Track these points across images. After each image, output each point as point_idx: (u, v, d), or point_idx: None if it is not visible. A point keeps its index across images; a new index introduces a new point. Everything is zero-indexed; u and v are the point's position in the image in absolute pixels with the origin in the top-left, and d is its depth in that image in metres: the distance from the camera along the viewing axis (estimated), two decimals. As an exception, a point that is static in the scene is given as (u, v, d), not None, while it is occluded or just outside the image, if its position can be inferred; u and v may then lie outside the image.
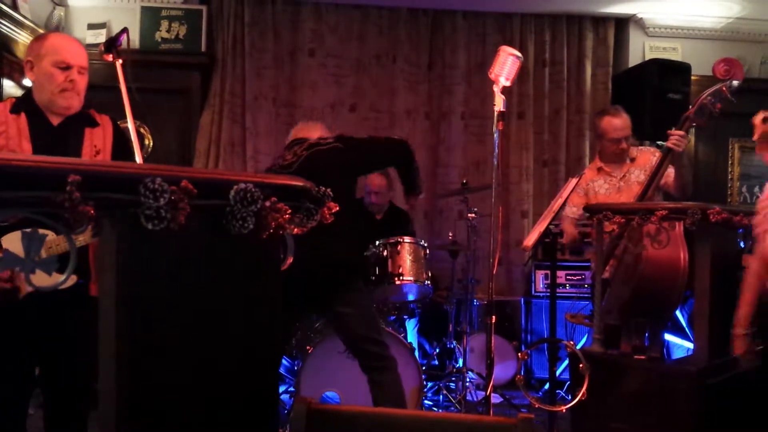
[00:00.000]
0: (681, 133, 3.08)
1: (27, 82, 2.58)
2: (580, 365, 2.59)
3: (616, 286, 2.94)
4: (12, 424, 2.37)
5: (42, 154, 2.22)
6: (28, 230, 1.08)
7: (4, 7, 3.97)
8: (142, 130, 4.64)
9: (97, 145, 2.44)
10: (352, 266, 3.14)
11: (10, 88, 4.14)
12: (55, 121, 2.42)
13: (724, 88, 2.99)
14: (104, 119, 2.53)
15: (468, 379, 4.22)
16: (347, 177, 3.07)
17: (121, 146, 2.54)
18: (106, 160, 2.46)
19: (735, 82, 3.06)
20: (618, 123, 3.61)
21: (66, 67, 2.39)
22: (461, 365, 4.27)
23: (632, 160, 3.64)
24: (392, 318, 4.08)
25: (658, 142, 3.16)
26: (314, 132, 3.38)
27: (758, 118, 2.43)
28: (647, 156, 3.62)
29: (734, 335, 2.39)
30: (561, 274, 4.75)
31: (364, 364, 3.07)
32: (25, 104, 2.41)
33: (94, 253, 2.39)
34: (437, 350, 4.63)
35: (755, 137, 2.45)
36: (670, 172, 3.36)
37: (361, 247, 3.64)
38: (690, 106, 3.16)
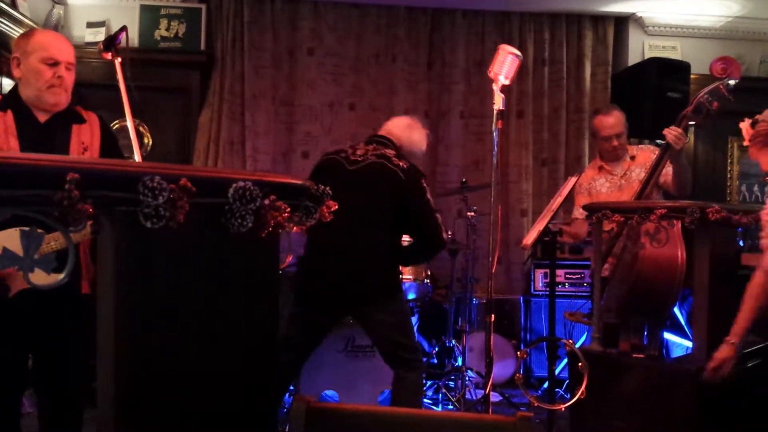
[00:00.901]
0: (679, 129, 3.08)
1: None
2: (579, 364, 2.60)
3: (614, 285, 2.94)
4: (5, 423, 2.37)
5: (29, 151, 2.22)
6: (27, 228, 1.07)
7: (3, 6, 3.97)
8: (141, 128, 4.64)
9: (84, 142, 2.43)
10: (387, 277, 3.10)
11: (10, 86, 4.14)
12: (42, 118, 2.40)
13: (721, 87, 3.00)
14: (91, 116, 2.52)
15: (467, 378, 4.23)
16: (390, 201, 3.01)
17: (109, 143, 2.53)
18: (94, 157, 2.45)
19: (732, 81, 3.06)
20: (608, 121, 3.64)
21: (54, 63, 2.37)
22: (460, 364, 4.27)
23: (632, 158, 3.65)
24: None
25: (658, 141, 3.16)
26: (404, 130, 3.25)
27: (746, 124, 2.44)
28: (647, 154, 3.63)
29: (725, 340, 2.40)
30: (560, 272, 4.75)
31: (392, 365, 3.06)
32: (12, 101, 2.39)
33: (85, 251, 2.39)
34: (436, 349, 4.63)
35: (746, 142, 2.45)
36: (669, 170, 3.36)
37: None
38: (688, 105, 3.16)
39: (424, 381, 3.69)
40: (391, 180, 3.00)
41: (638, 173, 3.57)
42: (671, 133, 3.08)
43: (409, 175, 3.03)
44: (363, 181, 3.00)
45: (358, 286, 2.97)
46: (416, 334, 4.48)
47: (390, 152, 3.09)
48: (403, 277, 3.81)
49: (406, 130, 3.27)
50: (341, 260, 2.95)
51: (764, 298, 2.38)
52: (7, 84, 4.13)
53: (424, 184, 3.09)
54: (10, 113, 2.34)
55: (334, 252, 2.94)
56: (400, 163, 3.04)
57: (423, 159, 5.33)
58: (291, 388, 3.60)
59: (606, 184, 3.66)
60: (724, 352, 2.40)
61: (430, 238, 3.10)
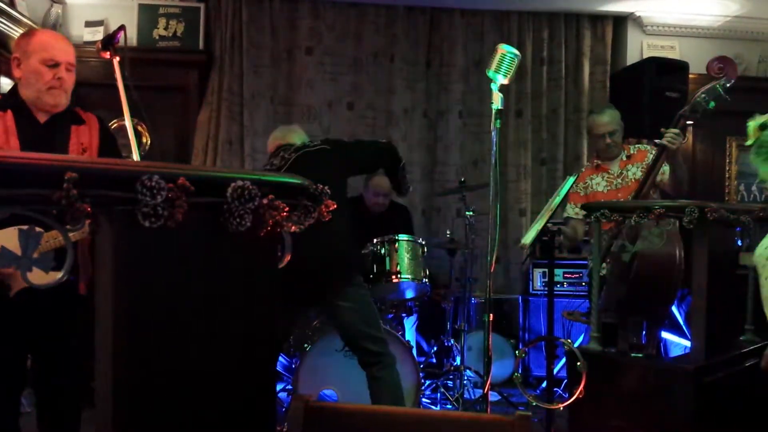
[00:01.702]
0: (674, 131, 3.10)
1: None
2: (578, 363, 2.60)
3: (612, 284, 2.94)
4: (4, 423, 2.37)
5: (29, 151, 2.21)
6: (25, 227, 1.07)
7: (2, 5, 3.96)
8: (139, 127, 4.63)
9: (83, 142, 2.43)
10: (351, 261, 3.15)
11: (8, 85, 4.14)
12: (42, 118, 2.40)
13: (717, 86, 3.00)
14: (90, 117, 2.52)
15: (466, 377, 4.23)
16: (336, 177, 3.07)
17: (108, 144, 2.53)
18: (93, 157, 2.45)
19: (727, 81, 3.07)
20: (601, 119, 3.69)
21: (54, 65, 2.37)
22: (459, 363, 4.27)
23: (629, 157, 3.66)
24: (390, 316, 4.09)
25: (656, 141, 3.17)
26: (294, 136, 3.41)
27: (755, 123, 2.38)
28: (644, 153, 3.64)
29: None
30: (558, 272, 4.75)
31: (362, 361, 3.08)
32: (12, 101, 2.39)
33: (83, 251, 2.39)
34: (435, 348, 4.63)
35: (749, 140, 2.41)
36: (666, 169, 3.37)
37: (359, 243, 3.65)
38: (685, 105, 3.18)
39: (421, 380, 3.70)
40: (322, 157, 3.11)
41: (635, 172, 3.59)
42: (667, 136, 3.10)
43: (330, 142, 3.25)
44: (300, 173, 3.03)
45: (319, 276, 3.00)
46: (415, 334, 4.51)
47: (299, 144, 3.24)
48: (402, 276, 3.81)
49: (290, 134, 3.44)
50: (301, 252, 2.96)
51: None
52: (6, 83, 4.13)
53: (345, 139, 3.40)
54: (10, 113, 2.34)
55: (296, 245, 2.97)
56: (315, 142, 3.24)
57: (421, 158, 5.38)
58: (290, 387, 3.60)
59: (602, 183, 3.68)
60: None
61: (383, 157, 3.37)
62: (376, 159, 3.38)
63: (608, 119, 3.67)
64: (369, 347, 3.05)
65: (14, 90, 2.44)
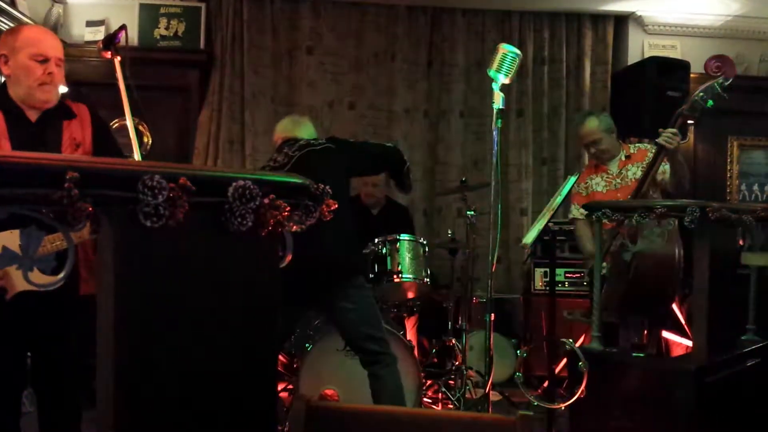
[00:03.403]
0: (672, 130, 3.10)
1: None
2: (579, 363, 2.59)
3: (611, 283, 2.94)
4: (5, 423, 2.36)
5: (21, 151, 2.20)
6: (27, 228, 1.07)
7: (3, 4, 3.96)
8: (140, 127, 4.63)
9: (76, 137, 2.41)
10: (354, 262, 3.14)
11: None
12: (33, 116, 2.37)
13: (715, 85, 3.00)
14: (81, 108, 2.49)
15: (467, 377, 4.22)
16: (340, 177, 3.07)
17: (101, 134, 2.50)
18: (87, 152, 2.44)
19: (725, 79, 3.07)
20: (582, 130, 3.73)
21: (44, 60, 2.33)
22: (460, 363, 4.27)
23: (628, 157, 3.66)
24: (391, 316, 4.08)
25: (657, 140, 3.17)
26: (302, 130, 3.37)
27: None
28: (644, 153, 3.64)
29: None
30: (560, 271, 4.75)
31: (364, 360, 3.08)
32: (1, 101, 2.35)
33: (84, 252, 2.38)
34: (436, 348, 4.63)
35: None
36: (667, 168, 3.37)
37: (360, 243, 3.64)
38: (683, 104, 3.18)
39: (422, 380, 3.69)
40: (327, 156, 3.08)
41: (634, 172, 3.58)
42: (664, 135, 3.10)
43: (335, 141, 3.20)
44: (302, 172, 3.02)
45: (322, 276, 2.99)
46: (416, 333, 4.51)
47: (303, 141, 3.19)
48: (403, 276, 3.81)
49: (297, 127, 3.38)
50: (304, 252, 2.96)
51: None
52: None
53: (351, 140, 3.32)
54: (0, 114, 2.32)
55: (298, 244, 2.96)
56: (321, 140, 3.20)
57: (422, 158, 5.38)
58: (291, 387, 3.60)
59: (602, 183, 3.68)
60: None
61: (387, 160, 3.33)
62: (380, 161, 3.36)
63: (590, 128, 3.66)
64: (370, 347, 3.04)
65: (2, 89, 2.38)
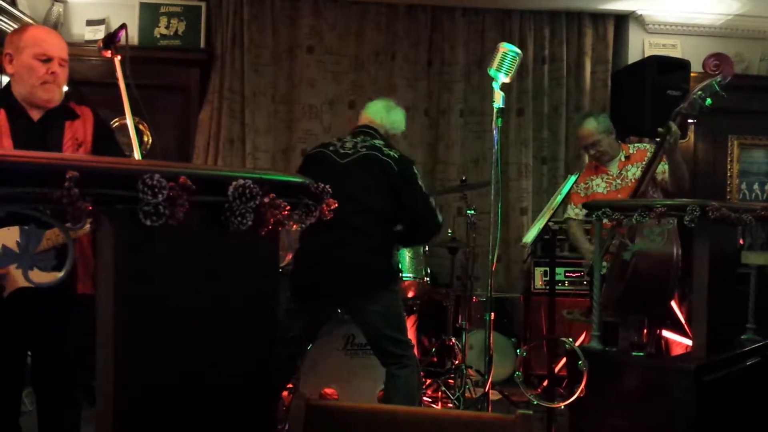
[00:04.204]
0: (671, 127, 3.09)
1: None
2: (579, 362, 2.60)
3: (611, 282, 2.95)
4: (4, 421, 2.36)
5: (23, 150, 2.20)
6: (26, 227, 1.07)
7: (3, 3, 3.96)
8: (140, 126, 4.63)
9: (78, 138, 2.41)
10: (383, 268, 3.10)
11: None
12: (36, 115, 2.38)
13: (713, 83, 3.00)
14: (84, 110, 2.49)
15: (467, 376, 4.22)
16: (386, 188, 3.03)
17: (103, 136, 2.51)
18: (88, 152, 2.44)
19: (723, 77, 3.07)
20: (581, 131, 3.72)
21: (47, 60, 2.34)
22: (460, 362, 4.27)
23: (627, 157, 3.65)
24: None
25: (658, 140, 3.17)
26: (388, 120, 3.26)
27: None
28: (643, 153, 3.63)
29: None
30: (560, 271, 4.75)
31: (384, 361, 3.07)
32: (4, 99, 2.36)
33: (81, 250, 2.38)
34: (436, 347, 4.63)
35: None
36: (667, 168, 3.37)
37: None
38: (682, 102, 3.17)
39: (421, 379, 3.69)
40: (384, 170, 3.02)
41: (634, 172, 3.58)
42: (663, 129, 3.09)
43: (401, 163, 3.07)
44: (356, 173, 3.00)
45: (348, 278, 2.97)
46: (416, 332, 4.50)
47: (379, 142, 3.12)
48: (403, 275, 3.81)
49: (386, 115, 3.27)
50: (334, 253, 2.95)
51: None
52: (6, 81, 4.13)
53: (415, 170, 3.15)
54: (2, 112, 2.31)
55: (327, 245, 2.95)
56: (391, 152, 3.08)
57: (422, 157, 5.37)
58: (290, 386, 3.60)
59: (602, 184, 3.68)
60: None
61: (424, 223, 3.18)
62: (414, 218, 3.15)
63: (589, 129, 3.65)
64: (392, 350, 3.03)
65: (6, 88, 2.41)
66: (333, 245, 2.94)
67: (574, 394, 2.60)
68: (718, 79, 3.01)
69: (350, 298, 3.04)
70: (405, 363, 3.02)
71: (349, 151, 3.07)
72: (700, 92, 3.01)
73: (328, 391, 3.62)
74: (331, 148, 3.12)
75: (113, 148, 2.55)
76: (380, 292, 3.02)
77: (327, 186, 1.38)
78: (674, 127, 3.03)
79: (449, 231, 4.58)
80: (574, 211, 3.75)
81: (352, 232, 2.93)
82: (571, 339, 2.86)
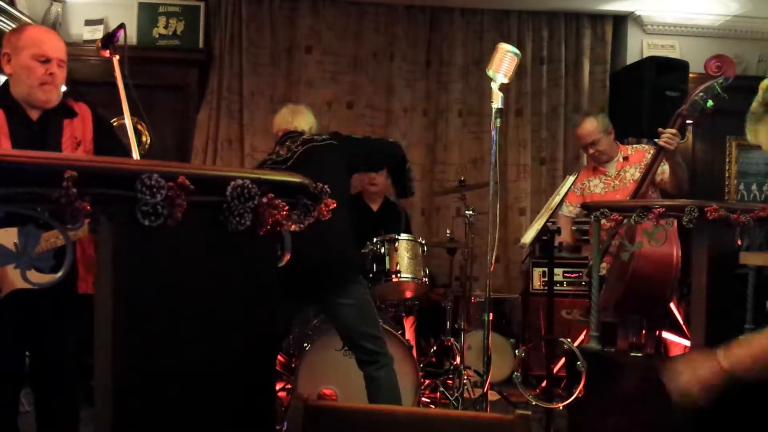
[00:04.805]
0: (672, 131, 3.09)
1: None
2: (577, 363, 2.60)
3: (610, 283, 2.95)
4: (3, 421, 2.36)
5: (21, 149, 2.20)
6: (25, 227, 1.07)
7: (1, 3, 3.96)
8: (139, 126, 4.62)
9: (77, 136, 2.41)
10: (353, 259, 3.14)
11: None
12: (34, 115, 2.37)
13: (715, 85, 3.00)
14: (82, 108, 2.49)
15: (465, 377, 4.22)
16: (341, 174, 3.07)
17: (103, 133, 2.51)
18: (87, 150, 2.44)
19: (725, 79, 3.07)
20: (580, 131, 3.72)
21: (45, 60, 2.34)
22: (458, 362, 4.27)
23: (626, 158, 3.66)
24: (389, 315, 4.08)
25: (656, 140, 3.17)
26: (301, 119, 3.36)
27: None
28: (642, 154, 3.64)
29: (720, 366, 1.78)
30: (558, 271, 4.75)
31: (360, 359, 3.08)
32: (2, 99, 2.36)
33: (82, 250, 2.38)
34: (435, 348, 4.63)
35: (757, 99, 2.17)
36: (666, 169, 3.37)
37: (359, 241, 3.64)
38: (683, 104, 3.18)
39: (421, 380, 3.69)
40: (329, 152, 3.08)
41: (632, 173, 3.58)
42: (664, 137, 3.10)
43: (338, 137, 3.20)
44: (303, 170, 3.01)
45: (328, 274, 3.01)
46: (414, 333, 4.50)
47: (307, 137, 3.20)
48: (401, 275, 3.80)
49: (300, 117, 3.38)
50: (312, 252, 2.97)
51: None
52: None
53: (354, 135, 3.34)
54: (1, 112, 2.31)
55: (304, 245, 2.96)
56: (324, 136, 3.19)
57: (421, 157, 5.37)
58: (289, 386, 3.60)
59: (600, 185, 3.68)
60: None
61: (395, 157, 3.34)
62: (382, 156, 3.36)
63: (588, 129, 3.66)
64: (367, 346, 3.04)
65: (5, 88, 2.40)
66: (309, 243, 2.97)
67: (572, 395, 2.60)
68: (720, 81, 3.00)
69: (326, 294, 3.07)
70: (382, 362, 3.04)
71: (287, 156, 3.10)
72: (701, 94, 3.00)
73: (327, 391, 3.62)
74: (269, 163, 3.18)
75: (114, 143, 2.55)
76: (350, 285, 3.06)
77: (326, 186, 1.38)
78: (675, 140, 3.09)
79: (448, 231, 4.58)
80: (568, 209, 3.77)
81: (324, 228, 2.94)
82: (569, 339, 2.87)
